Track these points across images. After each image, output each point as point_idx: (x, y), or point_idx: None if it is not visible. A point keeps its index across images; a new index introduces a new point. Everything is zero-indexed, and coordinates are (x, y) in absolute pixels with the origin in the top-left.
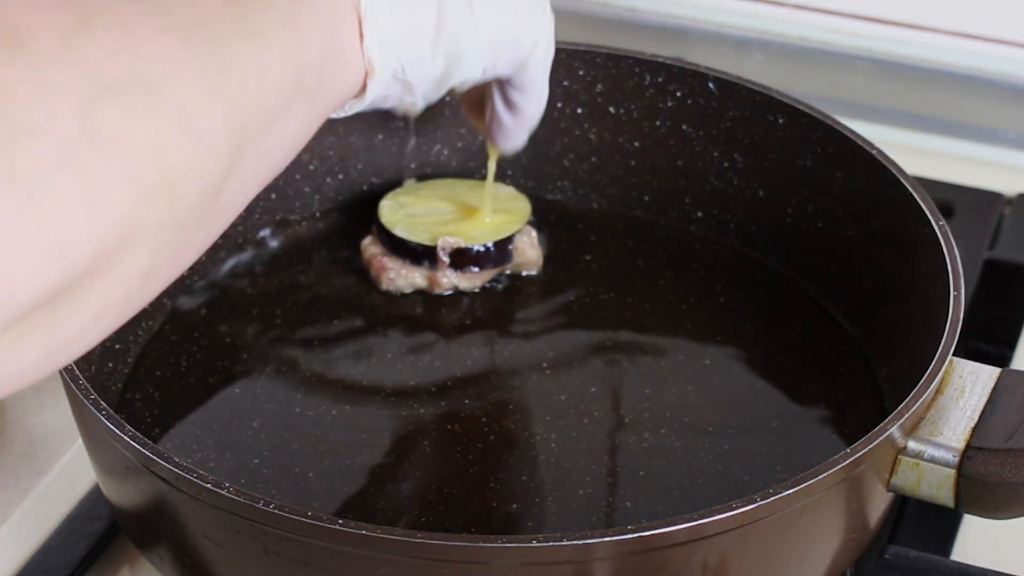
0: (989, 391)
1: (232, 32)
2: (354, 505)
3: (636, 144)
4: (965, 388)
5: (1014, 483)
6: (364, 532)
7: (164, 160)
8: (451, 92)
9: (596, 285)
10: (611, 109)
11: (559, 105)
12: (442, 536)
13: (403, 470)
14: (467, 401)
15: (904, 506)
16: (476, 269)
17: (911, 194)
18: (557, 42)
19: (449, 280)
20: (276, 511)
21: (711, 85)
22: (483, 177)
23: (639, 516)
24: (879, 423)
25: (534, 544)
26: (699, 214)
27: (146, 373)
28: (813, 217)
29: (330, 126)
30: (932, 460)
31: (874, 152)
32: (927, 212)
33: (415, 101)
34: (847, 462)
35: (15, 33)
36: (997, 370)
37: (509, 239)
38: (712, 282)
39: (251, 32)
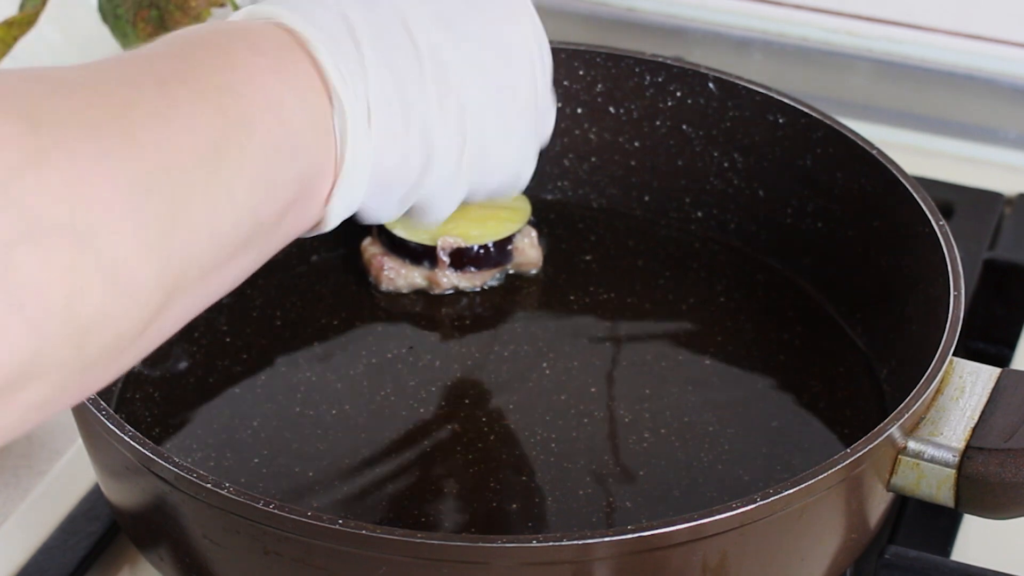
0: (989, 391)
1: (196, 186)
2: (354, 505)
3: (636, 144)
4: (965, 388)
5: (1014, 483)
6: (364, 532)
7: (80, 310)
8: None
9: (596, 285)
10: (611, 109)
11: (559, 105)
12: (442, 536)
13: (403, 470)
14: (467, 401)
15: (904, 506)
16: (476, 269)
17: (911, 194)
18: (558, 42)
19: (449, 280)
20: (276, 511)
21: (711, 85)
22: None
23: (639, 516)
24: (879, 423)
25: (534, 544)
26: (699, 214)
27: (145, 373)
28: (813, 217)
29: None
30: (932, 460)
31: (874, 152)
32: (927, 212)
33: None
34: (847, 462)
35: None
36: (997, 370)
37: (509, 239)
38: (712, 282)
39: (218, 186)
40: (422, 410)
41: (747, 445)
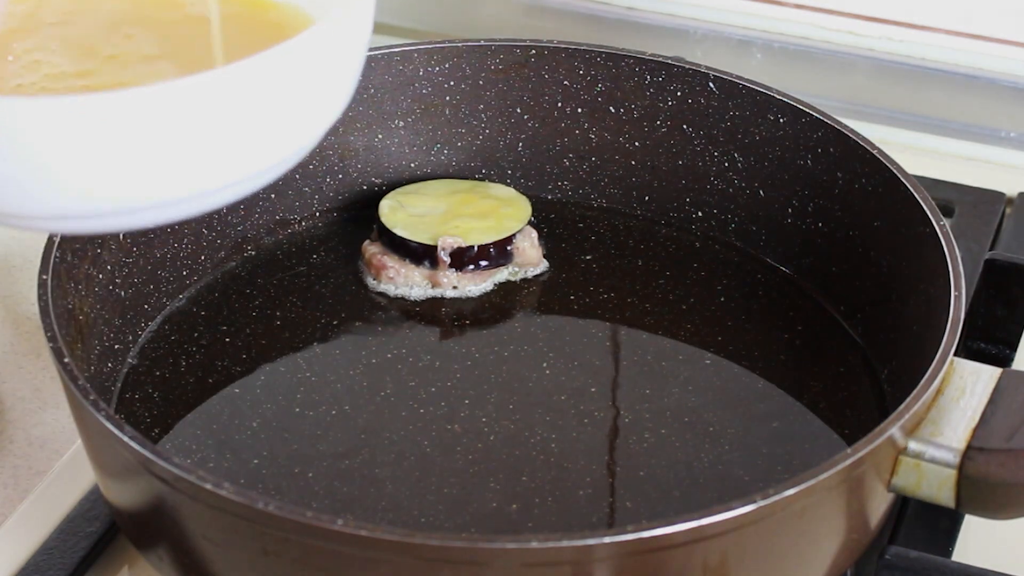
0: (990, 391)
1: None
2: (354, 505)
3: (636, 144)
4: (966, 388)
5: (1015, 483)
6: (364, 532)
7: None
8: None
9: (596, 285)
10: (611, 109)
11: (559, 105)
12: (442, 536)
13: (403, 470)
14: (467, 401)
15: (904, 506)
16: (476, 269)
17: (911, 194)
18: (558, 42)
19: (449, 280)
20: (276, 511)
21: (711, 85)
22: (483, 177)
23: (639, 516)
24: (879, 423)
25: (534, 544)
26: (699, 214)
27: (145, 373)
28: (813, 217)
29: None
30: (933, 461)
31: (874, 152)
32: (927, 212)
33: None
34: (847, 462)
35: None
36: (998, 370)
37: (509, 239)
38: (712, 282)
39: None
40: (422, 410)
41: (747, 445)
